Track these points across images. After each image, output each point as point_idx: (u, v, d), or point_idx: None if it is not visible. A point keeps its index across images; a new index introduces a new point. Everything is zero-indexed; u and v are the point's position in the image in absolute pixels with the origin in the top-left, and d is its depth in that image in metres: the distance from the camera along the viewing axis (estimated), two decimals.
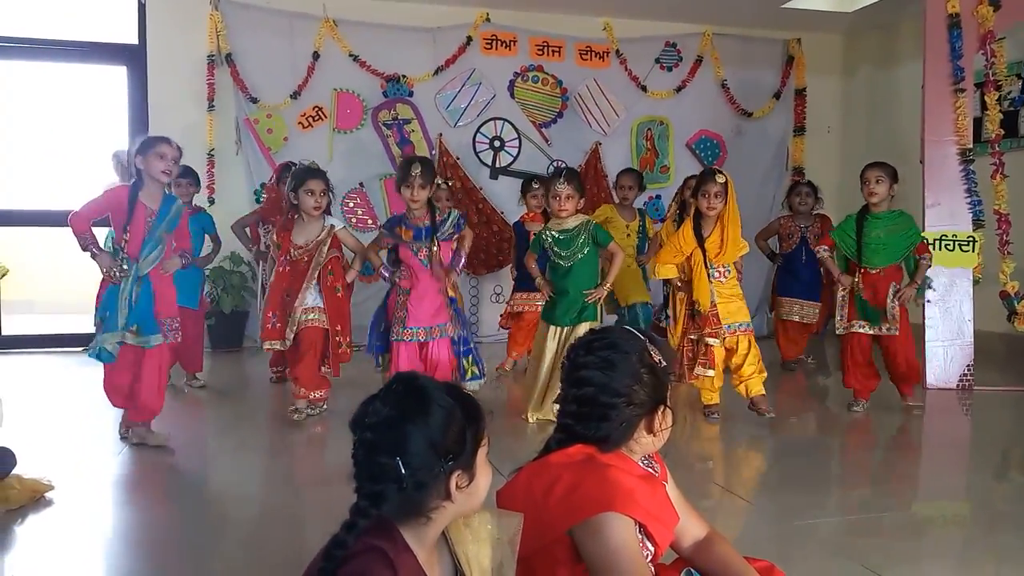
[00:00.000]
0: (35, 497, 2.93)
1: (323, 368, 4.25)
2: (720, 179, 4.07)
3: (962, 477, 3.61)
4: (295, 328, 4.10)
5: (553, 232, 4.17)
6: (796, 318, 5.63)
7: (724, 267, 4.16)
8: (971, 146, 5.17)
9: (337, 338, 4.21)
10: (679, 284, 4.26)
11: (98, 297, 3.77)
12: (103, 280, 3.71)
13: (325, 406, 4.27)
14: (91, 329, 6.93)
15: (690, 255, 4.14)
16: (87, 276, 7.96)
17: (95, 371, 5.83)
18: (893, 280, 4.30)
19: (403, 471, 1.31)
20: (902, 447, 3.93)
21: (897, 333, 4.30)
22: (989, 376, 5.23)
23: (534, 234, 4.44)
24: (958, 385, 5.07)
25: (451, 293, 4.36)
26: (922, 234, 4.44)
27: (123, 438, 3.75)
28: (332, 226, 4.22)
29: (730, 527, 2.73)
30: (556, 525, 1.58)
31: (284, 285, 4.18)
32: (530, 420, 4.11)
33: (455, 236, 4.31)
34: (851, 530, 2.75)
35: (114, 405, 3.80)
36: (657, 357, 1.67)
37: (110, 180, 7.23)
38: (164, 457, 3.59)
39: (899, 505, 3.11)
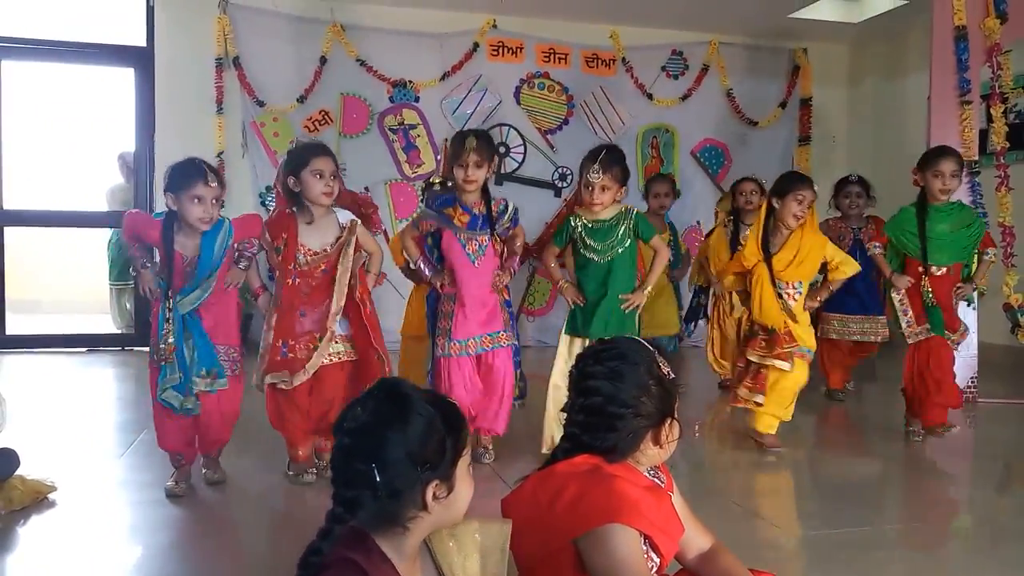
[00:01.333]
0: (38, 498, 2.93)
1: None
2: (815, 188, 3.63)
3: (965, 490, 3.60)
4: (321, 360, 3.14)
5: (585, 221, 3.51)
6: (856, 337, 4.91)
7: (795, 284, 3.65)
8: (977, 158, 5.15)
9: (376, 358, 3.20)
10: (742, 296, 3.83)
11: (153, 325, 3.03)
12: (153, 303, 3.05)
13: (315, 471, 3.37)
14: (97, 330, 7.10)
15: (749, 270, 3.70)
16: (94, 276, 8.06)
17: (100, 372, 5.89)
18: (957, 283, 3.91)
19: (377, 478, 1.29)
20: (905, 459, 3.91)
21: (957, 349, 3.91)
22: (993, 388, 5.21)
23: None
24: (962, 397, 5.04)
25: (504, 295, 3.58)
26: (985, 224, 4.00)
27: (173, 494, 3.07)
28: (354, 222, 3.25)
29: (735, 538, 2.73)
30: (561, 534, 1.58)
31: (296, 302, 3.15)
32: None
33: (510, 232, 3.56)
34: (855, 543, 2.74)
35: (166, 448, 3.16)
36: (666, 369, 1.68)
37: (115, 182, 7.30)
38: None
39: (902, 518, 3.11)
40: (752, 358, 3.65)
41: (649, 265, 3.62)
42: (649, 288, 3.52)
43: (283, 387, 3.11)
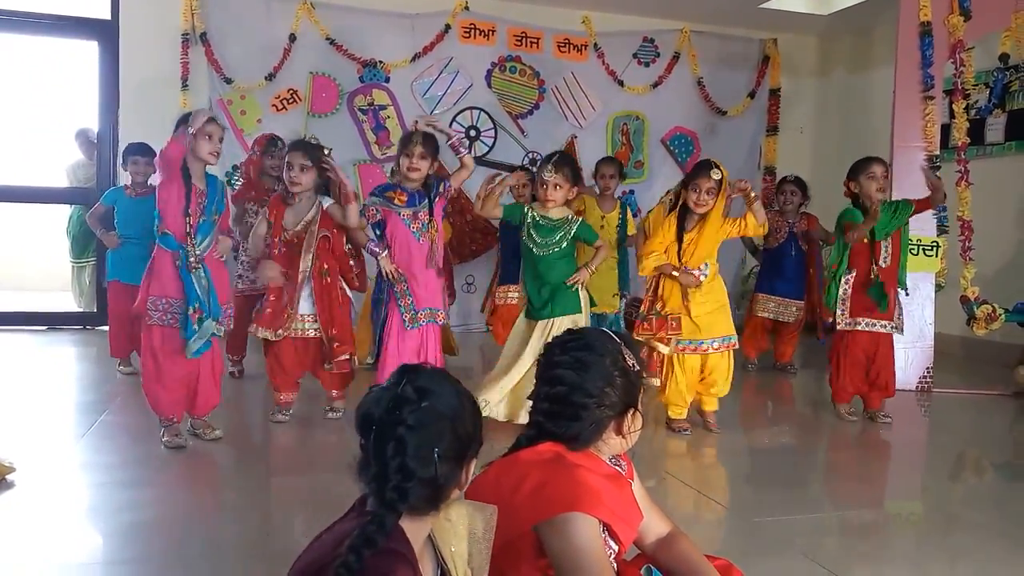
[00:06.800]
0: None
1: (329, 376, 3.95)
2: (716, 175, 3.78)
3: (919, 478, 3.69)
4: (290, 329, 3.80)
5: (536, 215, 3.93)
6: (771, 316, 5.57)
7: (701, 266, 3.89)
8: (938, 153, 5.26)
9: (334, 344, 3.82)
10: (672, 272, 3.87)
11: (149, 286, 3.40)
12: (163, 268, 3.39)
13: (290, 413, 3.98)
14: (54, 308, 6.98)
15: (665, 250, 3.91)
16: (51, 253, 7.90)
17: (60, 351, 5.80)
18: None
19: (440, 464, 1.31)
20: (861, 448, 4.00)
21: (901, 332, 4.30)
22: (947, 378, 5.34)
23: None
24: (917, 387, 5.17)
25: (442, 274, 4.10)
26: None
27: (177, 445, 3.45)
28: (321, 204, 3.82)
29: (693, 524, 2.78)
30: (522, 521, 1.60)
31: (282, 266, 3.83)
32: (489, 413, 3.75)
33: (444, 193, 3.94)
34: (809, 529, 2.81)
35: (167, 415, 3.48)
36: (631, 361, 1.69)
37: (76, 158, 7.15)
38: (128, 442, 3.57)
39: (857, 505, 3.17)
40: (640, 338, 3.96)
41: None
42: (592, 269, 3.94)
43: (274, 338, 3.80)
